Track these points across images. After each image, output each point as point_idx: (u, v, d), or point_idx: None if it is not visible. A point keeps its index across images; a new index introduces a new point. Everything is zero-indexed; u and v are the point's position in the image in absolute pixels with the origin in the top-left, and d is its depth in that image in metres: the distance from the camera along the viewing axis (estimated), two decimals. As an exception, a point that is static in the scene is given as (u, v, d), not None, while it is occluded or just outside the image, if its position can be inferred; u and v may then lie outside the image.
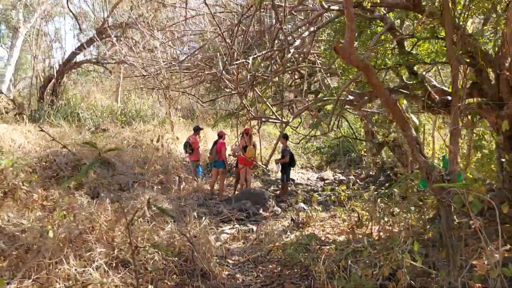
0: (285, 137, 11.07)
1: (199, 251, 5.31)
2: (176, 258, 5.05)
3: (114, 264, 4.68)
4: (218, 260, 5.88)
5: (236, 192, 11.14)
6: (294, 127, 12.62)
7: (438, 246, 5.55)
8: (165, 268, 4.93)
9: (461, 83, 5.28)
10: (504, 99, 7.33)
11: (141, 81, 17.40)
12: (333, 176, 14.69)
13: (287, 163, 10.96)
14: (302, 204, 8.27)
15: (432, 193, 4.30)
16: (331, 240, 7.08)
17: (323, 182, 13.79)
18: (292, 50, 5.72)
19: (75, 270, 4.23)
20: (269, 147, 17.16)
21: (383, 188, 10.50)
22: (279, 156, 11.56)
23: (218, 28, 6.85)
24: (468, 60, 7.82)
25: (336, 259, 5.50)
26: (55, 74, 17.39)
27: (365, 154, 14.72)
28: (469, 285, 4.37)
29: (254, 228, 7.99)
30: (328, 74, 12.40)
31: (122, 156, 11.92)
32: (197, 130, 11.74)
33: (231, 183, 12.36)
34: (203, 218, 8.63)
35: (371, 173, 13.85)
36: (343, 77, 8.07)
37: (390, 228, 6.64)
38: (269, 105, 8.29)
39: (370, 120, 11.64)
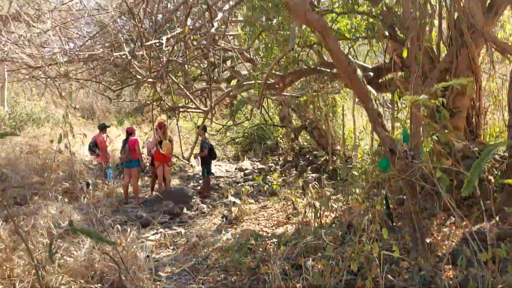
0: (203, 129, 10.13)
1: (127, 271, 4.27)
2: (99, 285, 3.96)
3: (15, 306, 3.48)
4: (148, 276, 4.84)
5: (154, 193, 9.98)
6: (208, 118, 11.75)
7: (399, 229, 5.09)
8: (86, 299, 3.82)
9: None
10: (426, 71, 7.16)
11: (30, 80, 15.16)
12: (252, 165, 14.08)
13: (207, 156, 10.06)
14: (232, 198, 7.46)
15: (397, 172, 3.73)
16: (269, 234, 6.39)
17: (242, 173, 13.11)
18: (216, 24, 4.83)
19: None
20: (184, 142, 16.05)
21: (309, 172, 10.08)
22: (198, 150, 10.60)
23: (124, 2, 5.71)
24: (387, 34, 7.58)
25: (288, 256, 4.79)
26: None
27: (282, 140, 14.30)
28: (440, 268, 3.92)
29: (182, 231, 7.02)
30: (240, 61, 11.72)
31: (15, 165, 10.11)
32: (103, 128, 10.29)
33: (147, 183, 11.15)
34: (125, 227, 7.49)
35: (289, 159, 13.45)
36: (264, 58, 7.37)
37: (332, 214, 6.10)
38: (188, 94, 7.32)
39: (288, 105, 11.17)
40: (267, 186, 7.68)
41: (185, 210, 8.64)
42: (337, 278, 4.00)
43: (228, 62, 12.60)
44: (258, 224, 6.95)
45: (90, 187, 9.26)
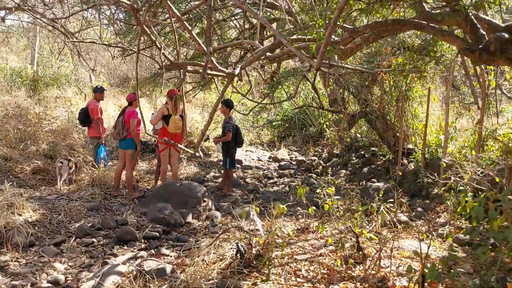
0: (227, 104, 7.00)
1: None
2: None
3: None
4: None
5: (157, 184, 7.00)
6: (242, 94, 8.62)
7: None
8: None
9: None
10: None
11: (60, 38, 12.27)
12: (289, 155, 10.89)
13: (231, 142, 6.96)
14: (255, 218, 4.33)
15: None
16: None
17: (277, 164, 9.95)
18: None
19: None
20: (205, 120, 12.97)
21: (370, 180, 6.79)
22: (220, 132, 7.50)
23: None
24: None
25: None
26: None
27: (328, 128, 10.96)
28: None
29: (168, 267, 3.96)
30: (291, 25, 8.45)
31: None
32: (99, 91, 7.32)
33: (153, 168, 8.18)
34: (89, 243, 4.54)
35: (335, 151, 10.15)
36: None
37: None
38: (203, 45, 4.14)
39: (346, 83, 7.84)
40: (313, 208, 4.49)
41: (189, 219, 5.61)
42: None
43: (274, 25, 9.37)
44: (294, 273, 3.79)
45: (67, 170, 6.35)
